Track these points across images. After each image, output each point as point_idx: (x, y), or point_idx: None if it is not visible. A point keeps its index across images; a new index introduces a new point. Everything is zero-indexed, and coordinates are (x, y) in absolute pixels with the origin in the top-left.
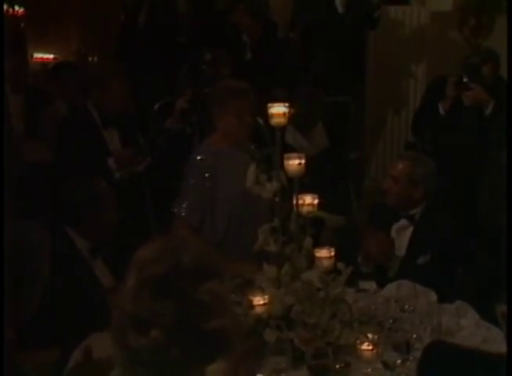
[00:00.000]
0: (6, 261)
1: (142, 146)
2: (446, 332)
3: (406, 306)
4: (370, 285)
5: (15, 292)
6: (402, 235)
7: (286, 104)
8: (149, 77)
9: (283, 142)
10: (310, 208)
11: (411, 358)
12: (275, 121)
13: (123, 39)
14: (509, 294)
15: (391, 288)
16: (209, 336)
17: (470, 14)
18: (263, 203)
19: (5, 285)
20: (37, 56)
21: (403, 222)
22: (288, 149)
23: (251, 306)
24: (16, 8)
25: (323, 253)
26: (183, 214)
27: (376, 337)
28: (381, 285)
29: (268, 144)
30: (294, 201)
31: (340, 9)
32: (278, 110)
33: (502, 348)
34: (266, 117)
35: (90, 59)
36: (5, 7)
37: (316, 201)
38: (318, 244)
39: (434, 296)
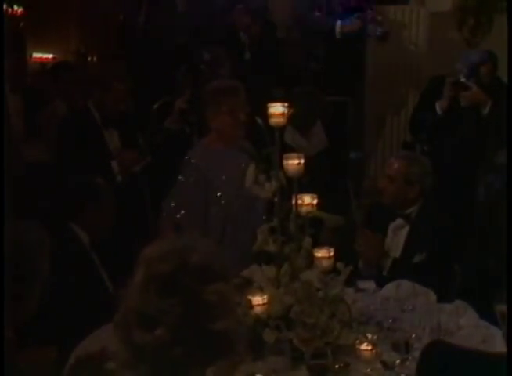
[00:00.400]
0: (6, 261)
1: (142, 146)
2: (445, 332)
3: (405, 306)
4: (369, 285)
5: (14, 292)
6: (398, 234)
7: (285, 104)
8: (148, 77)
9: (281, 142)
10: (309, 208)
11: (410, 358)
12: (274, 121)
13: (122, 39)
14: (509, 294)
15: (390, 288)
16: (213, 337)
17: (469, 14)
18: (259, 203)
19: (5, 285)
20: (36, 55)
21: (399, 221)
22: (287, 149)
23: (250, 306)
24: (15, 7)
25: (322, 253)
26: (169, 213)
27: (375, 337)
28: (380, 285)
29: (268, 144)
30: (293, 201)
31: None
32: (277, 109)
33: (502, 347)
34: (265, 116)
35: (89, 59)
36: (4, 7)
37: (315, 201)
38: (317, 244)
39: (433, 296)
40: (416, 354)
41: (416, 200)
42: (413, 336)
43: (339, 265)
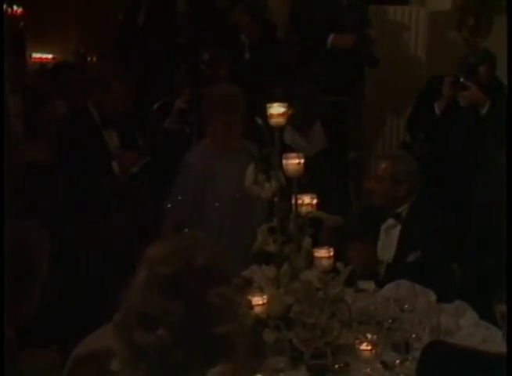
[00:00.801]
0: (6, 261)
1: (141, 146)
2: (445, 332)
3: (405, 306)
4: (369, 285)
5: (14, 292)
6: (390, 234)
7: (285, 104)
8: (147, 77)
9: (281, 142)
10: (309, 208)
11: (410, 358)
12: (274, 121)
13: (122, 39)
14: (509, 294)
15: (390, 288)
16: (215, 340)
17: (469, 14)
18: (257, 205)
19: (5, 285)
20: (36, 55)
21: (391, 221)
22: (286, 149)
23: (250, 306)
24: (15, 7)
25: (322, 253)
26: (168, 213)
27: (375, 337)
28: (380, 285)
29: (267, 144)
30: (293, 201)
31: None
32: (277, 109)
33: (502, 347)
34: (265, 116)
35: (89, 59)
36: (4, 7)
37: (315, 201)
38: (317, 244)
39: (433, 296)
40: (416, 354)
41: (405, 198)
42: (413, 336)
43: (339, 265)
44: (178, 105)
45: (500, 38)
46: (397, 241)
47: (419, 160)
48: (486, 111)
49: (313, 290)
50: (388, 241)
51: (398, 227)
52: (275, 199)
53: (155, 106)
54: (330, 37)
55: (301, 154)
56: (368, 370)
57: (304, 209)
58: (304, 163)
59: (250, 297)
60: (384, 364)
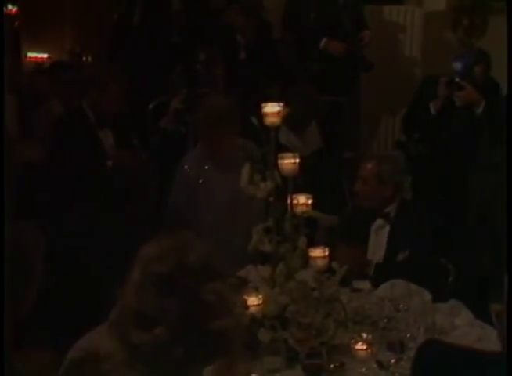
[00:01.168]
0: (6, 261)
1: (137, 147)
2: (440, 331)
3: (400, 306)
4: (364, 285)
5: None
6: (380, 234)
7: (280, 103)
8: (143, 77)
9: (276, 142)
10: (304, 208)
11: (405, 357)
12: (269, 121)
13: (117, 39)
14: (509, 294)
15: (385, 288)
16: (211, 336)
17: (464, 14)
18: (252, 209)
19: (5, 285)
20: (31, 55)
21: (379, 221)
22: (282, 149)
23: (246, 306)
24: (10, 7)
25: (318, 253)
26: (164, 215)
27: (370, 336)
28: (375, 285)
29: (263, 143)
30: (289, 201)
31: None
32: (272, 109)
33: (497, 347)
34: (260, 116)
35: (84, 58)
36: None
37: (310, 201)
38: (312, 243)
39: (428, 295)
40: (411, 353)
41: (392, 198)
42: (408, 335)
43: (334, 264)
44: (174, 105)
45: (495, 39)
46: (386, 241)
47: (414, 159)
48: (481, 111)
49: (308, 289)
50: (378, 241)
51: (387, 227)
52: (271, 199)
53: (150, 106)
54: (323, 41)
55: (296, 154)
56: (363, 369)
57: (299, 209)
58: (300, 163)
59: (245, 297)
60: (379, 364)
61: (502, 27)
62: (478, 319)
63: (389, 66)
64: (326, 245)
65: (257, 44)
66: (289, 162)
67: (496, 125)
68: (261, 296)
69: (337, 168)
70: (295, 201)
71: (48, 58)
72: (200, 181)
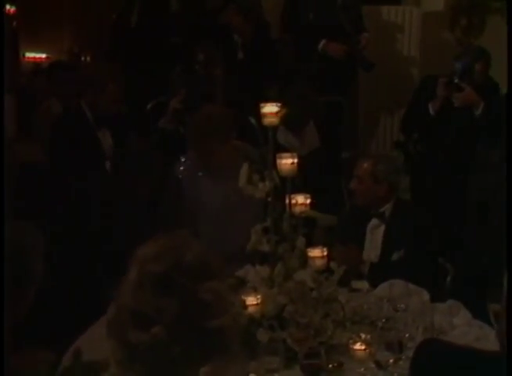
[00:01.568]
0: (6, 261)
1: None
2: (439, 331)
3: (399, 305)
4: (363, 285)
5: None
6: (375, 234)
7: (278, 104)
8: (141, 77)
9: (274, 142)
10: (302, 208)
11: (404, 357)
12: (267, 121)
13: (115, 39)
14: (509, 294)
15: (383, 288)
16: (209, 335)
17: (462, 14)
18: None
19: (6, 285)
20: (30, 55)
21: (375, 220)
22: (280, 149)
23: (244, 306)
24: (8, 7)
25: (316, 252)
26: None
27: (368, 336)
28: (371, 284)
29: (261, 144)
30: (287, 201)
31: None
32: (270, 109)
33: (495, 346)
34: (258, 116)
35: (83, 58)
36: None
37: (309, 201)
38: (310, 243)
39: (426, 295)
40: (410, 353)
41: (387, 198)
42: (407, 335)
43: (332, 264)
44: (173, 105)
45: (493, 38)
46: (381, 241)
47: (413, 159)
48: (480, 112)
49: (307, 289)
50: (373, 241)
51: (383, 227)
52: (269, 199)
53: (149, 106)
54: (322, 43)
55: (294, 154)
56: (362, 369)
57: (297, 209)
58: (298, 163)
59: (244, 297)
60: (378, 364)
61: (500, 27)
62: (477, 318)
63: (387, 66)
64: (324, 245)
65: (255, 44)
66: (287, 162)
67: (495, 126)
68: (259, 296)
69: (335, 167)
70: (293, 201)
71: (47, 58)
72: (189, 186)
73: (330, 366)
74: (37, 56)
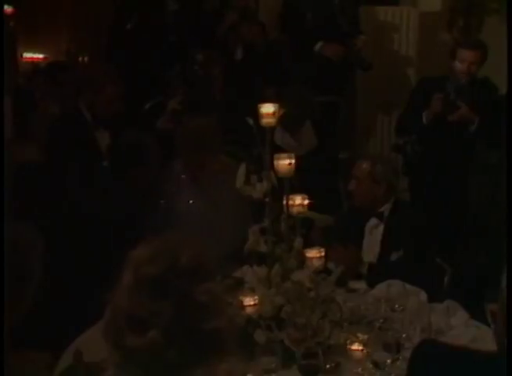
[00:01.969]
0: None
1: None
2: (436, 331)
3: (396, 306)
4: (360, 285)
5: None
6: (374, 234)
7: (276, 104)
8: (138, 77)
9: (272, 143)
10: (300, 209)
11: (401, 358)
12: (264, 121)
13: (113, 39)
14: (509, 294)
15: (381, 288)
16: (206, 337)
17: (459, 15)
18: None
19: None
20: (27, 55)
21: (373, 220)
22: (277, 149)
23: (242, 307)
24: (6, 7)
25: (313, 253)
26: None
27: (366, 337)
28: (369, 284)
29: (258, 144)
30: (284, 202)
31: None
32: (268, 109)
33: (492, 346)
34: (256, 117)
35: (80, 59)
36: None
37: (306, 202)
38: (308, 244)
39: (423, 296)
40: (407, 354)
41: (385, 198)
42: (404, 336)
43: (330, 265)
44: (171, 105)
45: (490, 39)
46: (380, 241)
47: (411, 160)
48: (475, 127)
49: (304, 290)
50: (372, 241)
51: (382, 227)
52: (267, 199)
53: (147, 107)
54: (318, 45)
55: (291, 155)
56: (359, 370)
57: (295, 209)
58: (295, 163)
59: (241, 297)
60: (375, 364)
61: (497, 28)
62: (474, 319)
63: (384, 67)
64: (321, 246)
65: (251, 44)
66: (284, 163)
67: (492, 137)
68: (257, 297)
69: (332, 168)
70: (291, 202)
71: (45, 58)
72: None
73: (328, 366)
74: (35, 56)
